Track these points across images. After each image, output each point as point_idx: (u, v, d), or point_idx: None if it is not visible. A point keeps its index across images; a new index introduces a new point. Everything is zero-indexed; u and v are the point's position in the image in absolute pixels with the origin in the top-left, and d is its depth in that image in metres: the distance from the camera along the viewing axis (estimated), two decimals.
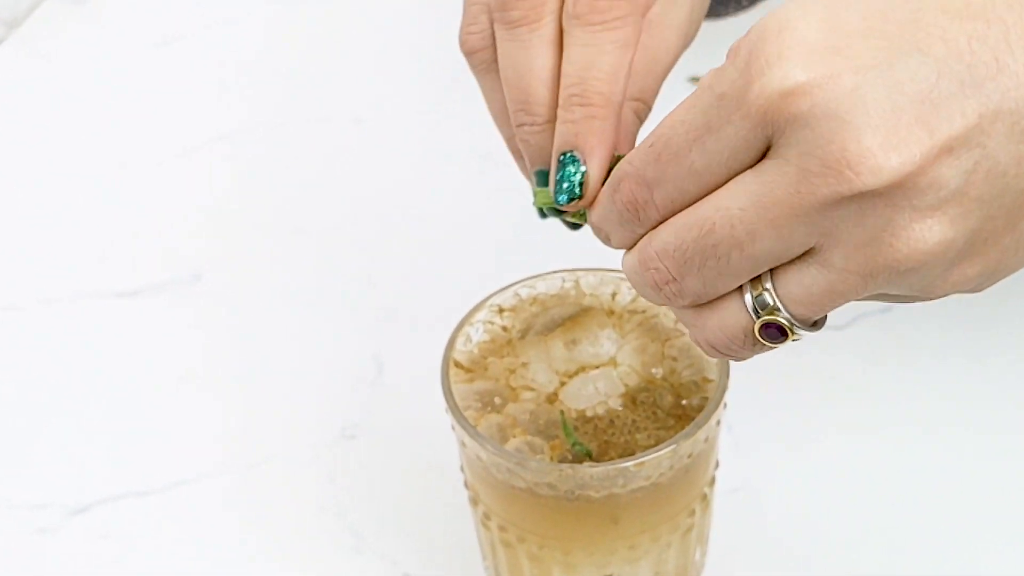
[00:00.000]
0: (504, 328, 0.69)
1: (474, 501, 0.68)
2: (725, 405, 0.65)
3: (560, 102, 0.58)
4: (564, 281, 0.70)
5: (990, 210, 0.48)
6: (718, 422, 0.65)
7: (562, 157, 0.57)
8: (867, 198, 0.47)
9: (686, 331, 0.67)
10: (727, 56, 0.48)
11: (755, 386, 0.78)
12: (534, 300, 0.69)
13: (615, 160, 0.57)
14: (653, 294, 0.52)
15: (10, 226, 0.95)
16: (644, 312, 0.68)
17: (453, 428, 0.66)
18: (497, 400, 0.66)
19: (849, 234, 0.48)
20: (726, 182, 0.49)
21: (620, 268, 0.68)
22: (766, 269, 0.50)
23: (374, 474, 0.79)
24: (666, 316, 0.68)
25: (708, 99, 0.48)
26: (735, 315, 0.51)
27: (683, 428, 0.64)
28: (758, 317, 0.51)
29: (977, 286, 0.51)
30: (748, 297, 0.51)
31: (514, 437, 0.65)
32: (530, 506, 0.64)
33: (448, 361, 0.66)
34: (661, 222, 0.51)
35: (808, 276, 0.49)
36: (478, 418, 0.65)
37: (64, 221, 0.95)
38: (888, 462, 0.78)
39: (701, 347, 0.53)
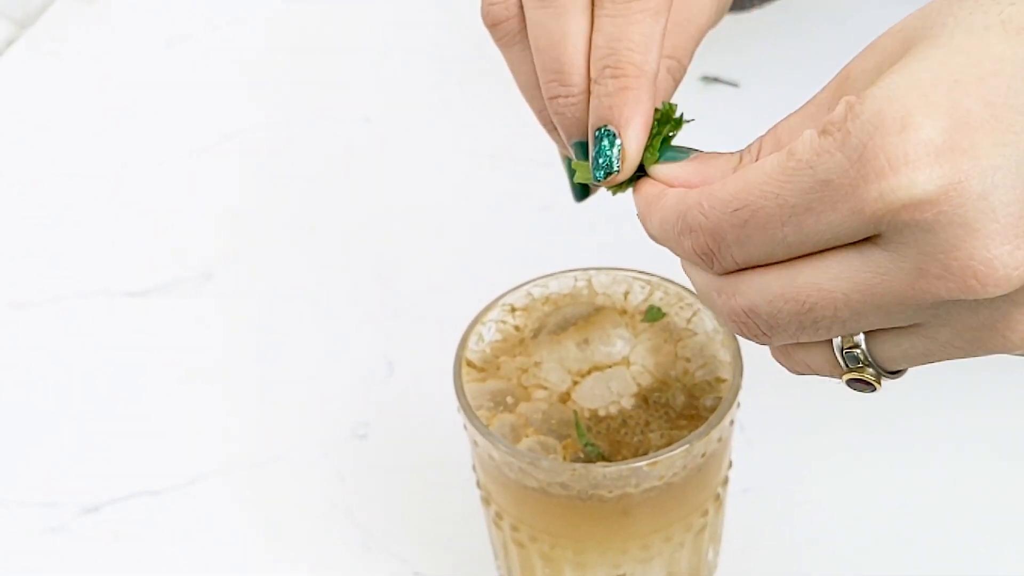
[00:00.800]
0: (516, 327, 0.68)
1: (486, 500, 0.68)
2: (739, 405, 0.65)
3: (592, 76, 0.55)
4: (576, 280, 0.69)
5: None
6: (732, 422, 0.65)
7: (597, 132, 0.55)
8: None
9: (698, 332, 0.67)
10: (828, 128, 0.45)
11: (768, 386, 0.77)
12: (546, 299, 0.69)
13: (657, 116, 0.55)
14: (736, 331, 0.50)
15: (21, 225, 0.95)
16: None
17: (465, 427, 0.65)
18: (509, 399, 0.66)
19: (961, 320, 0.46)
20: (820, 251, 0.47)
21: (631, 268, 0.69)
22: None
23: (385, 473, 0.78)
24: (679, 316, 0.68)
25: (809, 181, 0.45)
26: (822, 359, 0.50)
27: (696, 428, 0.63)
28: (847, 369, 0.49)
29: None
30: (837, 345, 0.49)
31: (526, 437, 0.64)
32: (542, 506, 0.64)
33: (460, 360, 0.66)
34: (740, 267, 0.49)
35: (907, 341, 0.48)
36: (490, 417, 0.65)
37: (74, 220, 0.95)
38: (902, 462, 0.77)
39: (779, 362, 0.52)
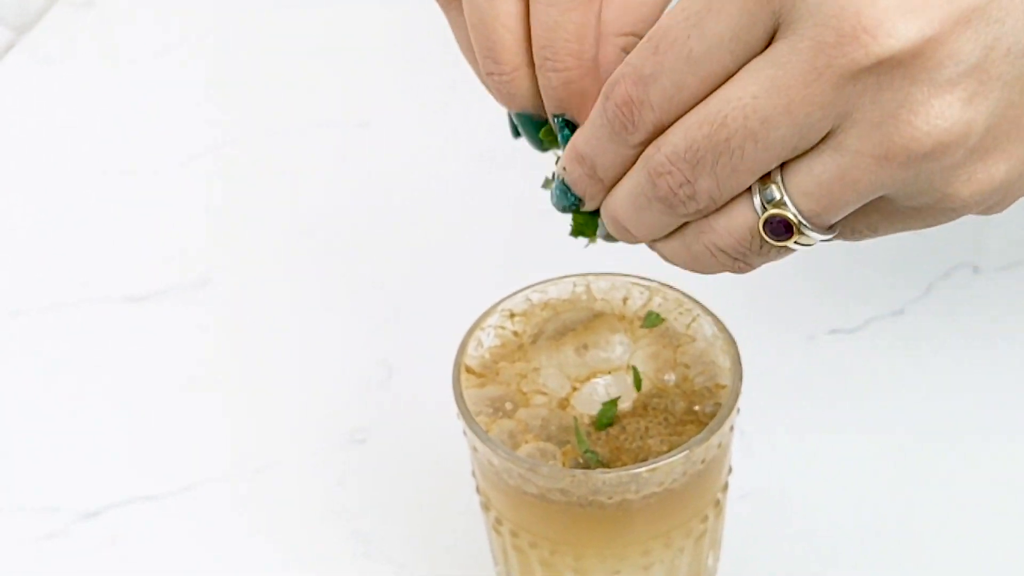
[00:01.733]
0: (515, 333, 0.68)
1: (486, 506, 0.68)
2: (738, 410, 0.64)
3: (536, 62, 0.55)
4: (575, 286, 0.69)
5: (1011, 94, 0.47)
6: (732, 427, 0.65)
7: (557, 121, 0.56)
8: (885, 69, 0.45)
9: (697, 338, 0.66)
10: None
11: (768, 391, 0.77)
12: (545, 305, 0.69)
13: None
14: (661, 210, 0.50)
15: (18, 231, 0.95)
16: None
17: (464, 433, 0.65)
18: (508, 405, 0.65)
19: (865, 112, 0.46)
20: (731, 75, 0.48)
21: (630, 273, 0.69)
22: (780, 162, 0.48)
23: (383, 479, 0.78)
24: (678, 322, 0.67)
25: None
26: (743, 214, 0.50)
27: (696, 434, 0.63)
28: (764, 208, 0.49)
29: (999, 199, 0.50)
30: (756, 194, 0.49)
31: (526, 443, 0.64)
32: (542, 512, 0.64)
33: (459, 366, 0.66)
34: (657, 131, 0.50)
35: (819, 164, 0.48)
36: (490, 423, 0.65)
37: (71, 225, 0.95)
38: (901, 466, 0.77)
39: (706, 261, 0.52)
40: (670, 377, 0.66)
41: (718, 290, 0.73)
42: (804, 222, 0.49)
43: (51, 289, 0.90)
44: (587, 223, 0.57)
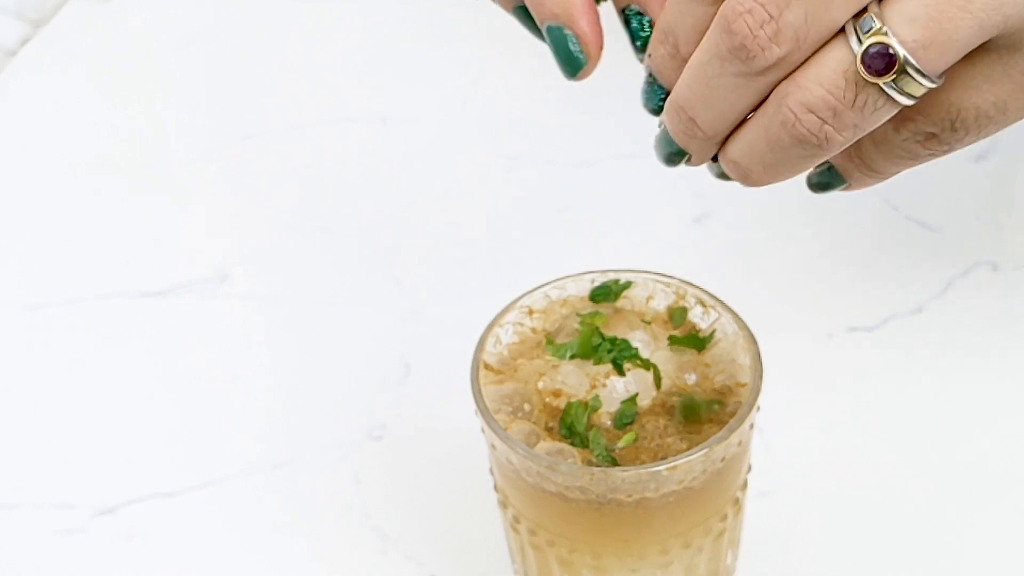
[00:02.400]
0: (534, 330, 0.68)
1: (504, 504, 0.67)
2: (758, 408, 0.64)
3: None
4: (594, 283, 0.69)
5: None
6: (751, 425, 0.65)
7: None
8: None
9: (719, 336, 0.66)
10: None
11: (787, 389, 0.77)
12: (564, 302, 0.69)
13: None
14: (736, 67, 0.45)
15: (35, 226, 0.95)
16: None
17: (483, 431, 0.65)
18: (527, 404, 0.65)
19: None
20: None
21: (652, 270, 0.68)
22: None
23: (401, 476, 0.78)
24: (700, 320, 0.67)
25: None
26: (835, 57, 0.44)
27: (716, 432, 0.63)
28: (861, 46, 0.44)
29: None
30: (851, 33, 0.44)
31: (544, 441, 0.64)
32: (561, 510, 0.64)
33: (477, 362, 0.66)
34: None
35: None
36: (508, 421, 0.65)
37: (88, 220, 0.95)
38: (920, 464, 0.77)
39: (786, 146, 0.46)
40: (691, 376, 0.65)
41: (737, 288, 0.73)
42: (908, 56, 0.44)
43: (67, 284, 0.90)
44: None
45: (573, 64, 0.53)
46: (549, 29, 0.52)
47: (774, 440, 0.77)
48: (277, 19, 1.09)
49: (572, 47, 0.52)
